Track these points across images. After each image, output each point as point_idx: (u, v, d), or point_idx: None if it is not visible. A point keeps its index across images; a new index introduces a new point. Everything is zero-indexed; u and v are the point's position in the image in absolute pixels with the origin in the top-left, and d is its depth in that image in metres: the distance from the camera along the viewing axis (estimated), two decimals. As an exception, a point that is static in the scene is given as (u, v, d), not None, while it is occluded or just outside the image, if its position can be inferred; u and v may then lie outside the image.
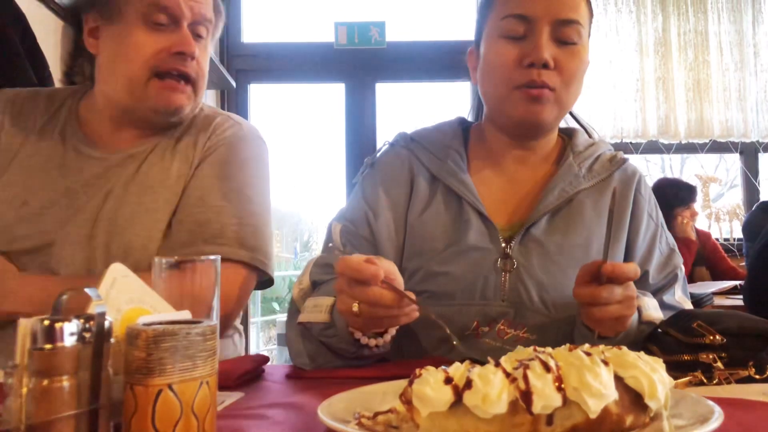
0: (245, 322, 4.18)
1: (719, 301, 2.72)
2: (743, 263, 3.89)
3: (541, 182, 1.21)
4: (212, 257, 0.81)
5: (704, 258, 3.65)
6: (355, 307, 0.87)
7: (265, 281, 1.32)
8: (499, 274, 1.10)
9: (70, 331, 0.58)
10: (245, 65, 4.22)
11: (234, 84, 3.93)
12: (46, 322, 0.57)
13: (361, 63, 4.22)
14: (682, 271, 1.21)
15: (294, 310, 1.10)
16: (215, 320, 0.79)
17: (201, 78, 1.29)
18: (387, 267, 0.87)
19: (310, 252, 12.38)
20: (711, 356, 0.83)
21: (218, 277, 0.82)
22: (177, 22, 1.23)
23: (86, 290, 0.60)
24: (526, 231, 1.13)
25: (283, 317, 6.68)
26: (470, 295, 1.10)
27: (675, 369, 0.86)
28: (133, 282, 0.72)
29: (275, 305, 7.32)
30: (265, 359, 1.01)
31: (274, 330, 6.64)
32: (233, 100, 4.19)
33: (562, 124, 1.27)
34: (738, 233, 4.11)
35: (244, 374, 0.92)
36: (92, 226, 1.23)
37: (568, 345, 0.64)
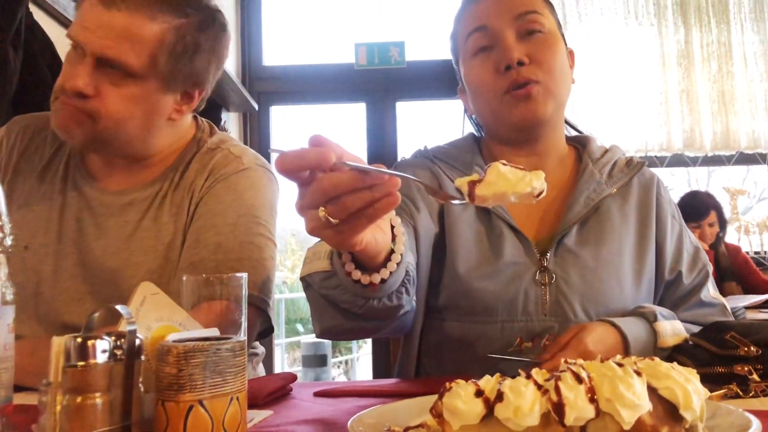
0: (269, 344, 4.19)
1: (752, 315, 2.67)
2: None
3: (564, 190, 1.21)
4: (239, 274, 0.82)
5: (734, 272, 3.59)
6: (322, 213, 0.67)
7: (266, 329, 1.24)
8: (539, 288, 1.09)
9: (102, 348, 0.58)
10: (267, 88, 4.27)
11: (256, 106, 3.97)
12: (79, 340, 0.58)
13: (381, 82, 4.25)
14: (710, 267, 1.22)
15: None
16: (243, 336, 0.79)
17: (106, 118, 1.15)
18: (339, 150, 0.66)
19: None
20: (746, 368, 0.81)
21: (245, 294, 0.83)
22: (83, 55, 1.14)
23: (117, 308, 0.61)
24: (559, 242, 1.12)
25: (307, 338, 6.68)
26: (512, 311, 1.08)
27: (709, 382, 0.85)
28: (162, 300, 0.73)
29: (299, 326, 7.33)
30: (293, 377, 1.01)
31: (298, 351, 6.65)
32: (255, 122, 4.23)
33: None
34: (768, 245, 4.04)
35: (273, 392, 0.92)
36: (92, 284, 1.21)
37: (599, 356, 0.64)
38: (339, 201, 0.67)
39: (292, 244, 8.51)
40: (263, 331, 1.25)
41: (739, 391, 0.81)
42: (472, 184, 0.75)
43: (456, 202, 0.78)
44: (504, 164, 0.76)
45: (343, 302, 0.90)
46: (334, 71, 4.28)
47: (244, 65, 4.22)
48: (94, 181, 1.28)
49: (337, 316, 0.93)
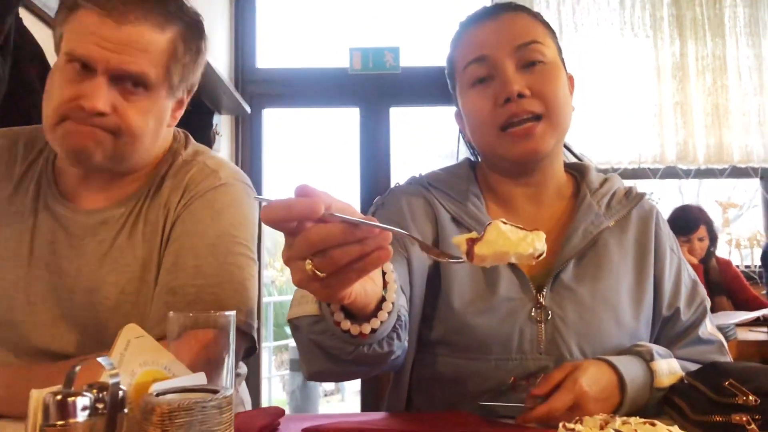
0: (258, 346, 4.15)
1: (742, 334, 2.66)
2: (765, 291, 3.82)
3: (561, 222, 1.19)
4: (227, 313, 0.79)
5: (724, 287, 3.58)
6: (309, 266, 0.64)
7: (249, 347, 1.20)
8: (535, 325, 1.07)
9: (83, 405, 0.56)
10: (259, 90, 4.23)
11: (248, 109, 3.94)
12: (59, 397, 0.55)
13: (375, 88, 4.22)
14: (708, 303, 1.19)
15: None
16: (230, 384, 0.77)
17: (127, 133, 1.13)
18: (327, 199, 0.64)
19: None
20: (744, 418, 0.80)
21: (233, 334, 0.80)
22: (93, 72, 1.10)
23: (99, 360, 0.59)
24: (556, 277, 1.10)
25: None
26: (506, 349, 1.06)
27: (707, 430, 0.83)
28: (147, 343, 0.71)
29: (287, 330, 7.27)
30: (281, 413, 0.98)
31: (286, 354, 6.60)
32: (247, 125, 4.20)
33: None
34: (758, 260, 4.04)
35: (261, 430, 0.90)
36: (66, 307, 1.16)
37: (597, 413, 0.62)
38: (327, 254, 0.64)
39: (281, 244, 8.48)
40: (246, 350, 1.21)
41: (737, 441, 0.79)
42: (471, 243, 0.73)
43: (452, 261, 0.76)
44: (504, 223, 0.74)
45: (332, 348, 0.87)
46: (329, 75, 4.25)
47: (237, 67, 4.18)
48: (66, 201, 1.23)
49: (326, 361, 0.90)
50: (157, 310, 1.11)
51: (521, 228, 0.74)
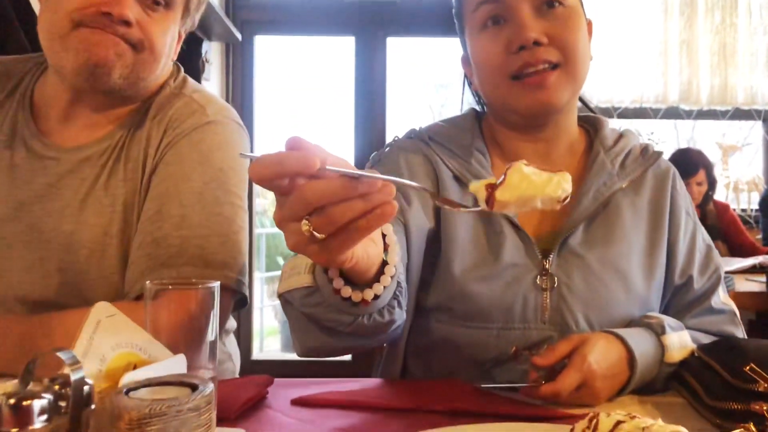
0: (249, 277, 4.12)
1: (738, 284, 2.63)
2: (760, 236, 3.79)
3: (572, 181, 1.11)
4: (211, 284, 0.72)
5: (721, 231, 3.54)
6: (305, 227, 0.58)
7: (239, 299, 1.11)
8: (540, 293, 1.00)
9: (40, 408, 0.49)
10: (251, 16, 4.06)
11: (239, 36, 3.78)
12: (12, 401, 0.48)
13: (372, 16, 4.06)
14: (722, 270, 1.12)
15: None
16: (213, 361, 0.71)
17: (149, 49, 1.07)
18: (322, 153, 0.57)
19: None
20: (765, 407, 0.74)
21: (216, 306, 0.74)
22: None
23: (60, 354, 0.52)
24: (563, 242, 1.02)
25: (287, 272, 6.58)
26: (509, 318, 0.99)
27: (723, 418, 0.78)
28: (119, 322, 0.64)
29: (280, 260, 7.26)
30: (269, 381, 0.93)
31: (277, 283, 6.57)
32: (238, 53, 4.04)
33: None
34: (757, 204, 4.00)
35: (246, 403, 0.84)
36: (45, 249, 1.07)
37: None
38: (325, 213, 0.57)
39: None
40: (237, 302, 1.13)
41: (755, 431, 0.74)
42: (491, 188, 0.65)
43: (469, 210, 0.68)
44: (527, 165, 0.67)
45: (329, 321, 0.80)
46: (324, 1, 4.08)
47: (228, -10, 4.00)
48: (46, 138, 1.13)
49: (322, 335, 0.83)
50: (138, 263, 1.04)
51: (545, 170, 0.67)
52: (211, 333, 0.72)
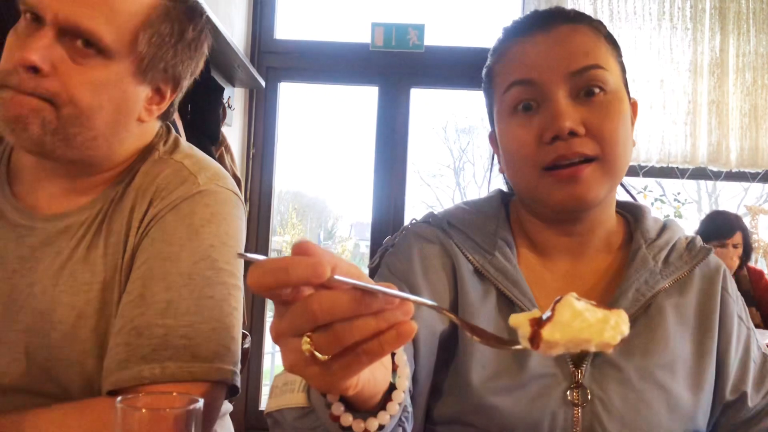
0: (261, 321, 4.02)
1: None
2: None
3: (606, 279, 0.99)
4: (193, 406, 0.65)
5: (755, 298, 3.40)
6: (306, 345, 0.51)
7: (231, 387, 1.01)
8: (570, 409, 0.88)
9: None
10: (276, 63, 4.07)
11: (263, 83, 3.77)
12: None
13: (396, 66, 4.05)
14: None
15: None
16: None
17: (71, 103, 0.94)
18: (332, 260, 0.50)
19: (333, 240, 12.28)
20: None
21: (200, 424, 0.67)
22: (41, 23, 0.93)
23: None
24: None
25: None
26: None
27: None
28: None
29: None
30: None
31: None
32: (262, 99, 4.04)
33: None
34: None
35: None
36: (12, 331, 0.98)
37: None
38: (332, 330, 0.50)
39: (293, 218, 8.35)
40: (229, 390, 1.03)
41: None
42: (536, 324, 0.57)
43: (507, 346, 0.59)
44: (578, 299, 0.58)
45: None
46: (348, 50, 4.08)
47: (254, 37, 4.01)
48: (21, 204, 1.05)
49: None
50: (116, 352, 0.95)
51: (596, 305, 0.58)
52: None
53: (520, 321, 0.58)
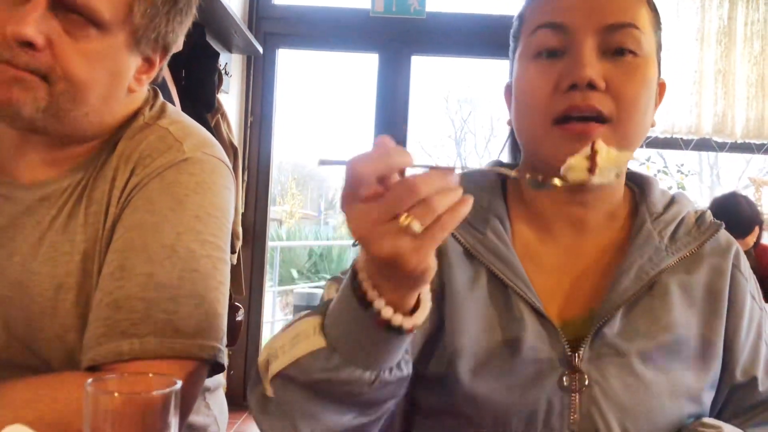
0: (259, 290, 4.00)
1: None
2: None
3: (609, 253, 0.92)
4: (169, 389, 0.61)
5: (759, 275, 3.32)
6: (407, 220, 0.58)
7: (216, 364, 0.96)
8: (566, 395, 0.82)
9: None
10: (275, 29, 3.99)
11: (261, 49, 3.70)
12: None
13: (397, 33, 3.96)
14: None
15: (257, 381, 0.80)
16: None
17: (65, 79, 0.89)
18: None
19: (335, 210, 12.25)
20: None
21: (177, 408, 0.63)
22: None
23: None
24: (597, 332, 0.84)
25: (301, 287, 6.52)
26: (530, 425, 0.82)
27: None
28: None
29: (293, 272, 7.15)
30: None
31: (291, 296, 6.47)
32: (260, 66, 3.97)
33: None
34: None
35: None
36: None
37: None
38: (425, 203, 0.58)
39: (292, 187, 8.24)
40: (213, 367, 0.98)
41: None
42: (593, 156, 0.75)
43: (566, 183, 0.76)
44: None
45: (346, 384, 0.70)
46: (348, 16, 4.00)
47: (251, 1, 3.92)
48: (2, 175, 1.01)
49: (326, 416, 0.73)
50: (95, 326, 0.90)
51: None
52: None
53: (578, 161, 0.76)
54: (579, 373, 0.83)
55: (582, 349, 0.84)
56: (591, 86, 0.82)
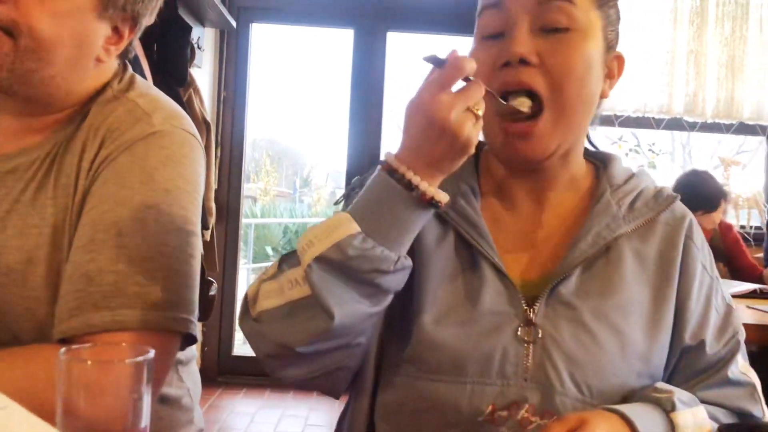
0: (233, 266, 3.99)
1: (740, 312, 2.51)
2: (760, 254, 3.69)
3: (568, 222, 0.97)
4: (142, 357, 0.61)
5: (722, 252, 3.41)
6: (478, 109, 0.78)
7: (187, 336, 0.97)
8: (521, 346, 0.87)
9: None
10: (248, 2, 3.94)
11: (234, 24, 3.65)
12: None
13: (372, 8, 3.95)
14: (742, 334, 0.97)
15: (247, 309, 0.85)
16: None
17: (27, 34, 0.88)
18: None
19: (310, 188, 12.19)
20: None
21: (149, 379, 0.63)
22: None
23: None
24: (553, 290, 0.90)
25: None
26: (485, 372, 0.87)
27: None
28: (12, 417, 0.53)
29: (268, 250, 7.13)
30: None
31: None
32: (233, 41, 3.92)
33: None
34: (756, 221, 3.91)
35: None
36: None
37: None
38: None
39: (266, 164, 8.16)
40: (184, 339, 0.99)
41: None
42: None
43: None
44: None
45: (377, 261, 0.78)
46: (323, -10, 3.96)
47: (224, -25, 3.87)
48: None
49: (355, 297, 0.80)
50: (66, 300, 0.90)
51: None
52: (143, 418, 0.61)
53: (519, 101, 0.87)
54: (534, 326, 0.88)
55: (538, 304, 0.89)
56: (524, 62, 0.86)
